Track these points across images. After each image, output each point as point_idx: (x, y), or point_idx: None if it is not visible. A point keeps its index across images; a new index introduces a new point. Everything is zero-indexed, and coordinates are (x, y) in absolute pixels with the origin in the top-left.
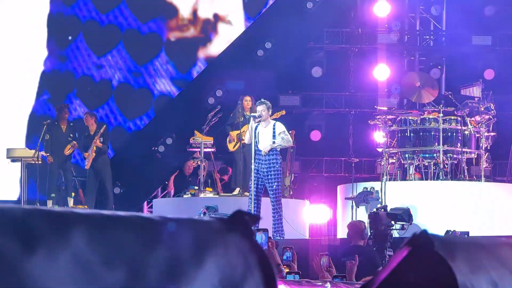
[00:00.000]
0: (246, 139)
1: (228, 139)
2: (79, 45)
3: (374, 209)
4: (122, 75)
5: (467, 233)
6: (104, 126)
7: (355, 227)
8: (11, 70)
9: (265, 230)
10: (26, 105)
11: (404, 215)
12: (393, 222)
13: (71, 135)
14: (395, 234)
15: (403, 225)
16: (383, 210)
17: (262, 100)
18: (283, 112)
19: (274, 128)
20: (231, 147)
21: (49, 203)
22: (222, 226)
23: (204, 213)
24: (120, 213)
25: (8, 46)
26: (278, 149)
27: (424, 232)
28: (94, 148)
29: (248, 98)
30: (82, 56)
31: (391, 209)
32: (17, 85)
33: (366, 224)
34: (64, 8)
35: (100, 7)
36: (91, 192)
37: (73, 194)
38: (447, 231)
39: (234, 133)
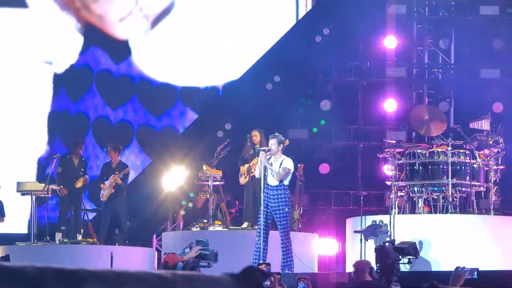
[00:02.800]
0: (256, 173)
1: (239, 174)
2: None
3: (381, 243)
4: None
5: (477, 269)
6: (128, 168)
7: (362, 266)
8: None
9: (267, 265)
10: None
11: (411, 249)
12: (400, 256)
13: (82, 169)
14: (402, 268)
15: (410, 259)
16: (390, 243)
17: (276, 134)
18: (287, 142)
19: (281, 164)
20: (241, 180)
21: (58, 236)
22: (233, 282)
23: (190, 247)
24: (131, 271)
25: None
26: (286, 183)
27: (435, 284)
28: (114, 184)
29: (256, 132)
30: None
31: (398, 243)
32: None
33: (373, 258)
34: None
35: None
36: (104, 226)
37: (82, 230)
38: (457, 268)
39: (244, 167)
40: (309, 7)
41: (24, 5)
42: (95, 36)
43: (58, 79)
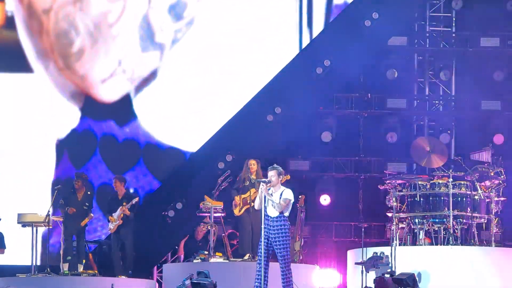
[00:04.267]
0: (256, 205)
1: (233, 204)
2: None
3: (380, 274)
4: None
5: None
6: (137, 198)
7: None
8: None
9: None
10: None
11: (409, 280)
12: None
13: (87, 204)
14: None
15: None
16: (389, 275)
17: (274, 165)
18: (288, 177)
19: (281, 195)
20: (236, 211)
21: (65, 266)
22: None
23: (190, 278)
24: None
25: None
26: (286, 214)
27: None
28: (122, 215)
29: (253, 161)
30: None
31: (397, 274)
32: None
33: None
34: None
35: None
36: (117, 258)
37: (84, 261)
38: None
39: (238, 198)
40: (311, 39)
41: (29, 70)
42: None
43: (61, 145)
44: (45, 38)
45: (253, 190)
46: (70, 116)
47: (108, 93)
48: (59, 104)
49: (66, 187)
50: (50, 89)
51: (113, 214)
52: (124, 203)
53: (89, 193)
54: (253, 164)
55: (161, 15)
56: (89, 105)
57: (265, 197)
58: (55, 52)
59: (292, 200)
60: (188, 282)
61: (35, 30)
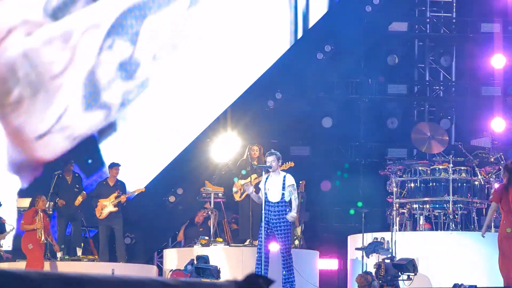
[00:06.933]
0: (255, 199)
1: (233, 189)
2: None
3: (380, 260)
4: None
5: (475, 286)
6: (143, 189)
7: (363, 280)
8: None
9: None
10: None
11: (409, 265)
12: (399, 273)
13: (77, 185)
14: (402, 284)
15: (409, 275)
16: (389, 260)
17: (272, 151)
18: (292, 164)
19: (284, 180)
20: (237, 197)
21: (59, 254)
22: None
23: (192, 264)
24: (135, 277)
25: None
26: (287, 200)
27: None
28: (116, 202)
29: (256, 147)
30: None
31: (397, 259)
32: None
33: (373, 275)
34: None
35: None
36: (105, 245)
37: (82, 244)
38: (455, 285)
39: (239, 183)
40: (311, 25)
41: None
42: None
43: None
44: None
45: (254, 176)
46: None
47: (43, 151)
48: None
49: (57, 176)
50: None
51: (103, 201)
52: (118, 190)
53: (77, 175)
54: (255, 150)
55: (110, 72)
56: None
57: (265, 183)
58: None
59: (295, 185)
60: (190, 267)
61: None
